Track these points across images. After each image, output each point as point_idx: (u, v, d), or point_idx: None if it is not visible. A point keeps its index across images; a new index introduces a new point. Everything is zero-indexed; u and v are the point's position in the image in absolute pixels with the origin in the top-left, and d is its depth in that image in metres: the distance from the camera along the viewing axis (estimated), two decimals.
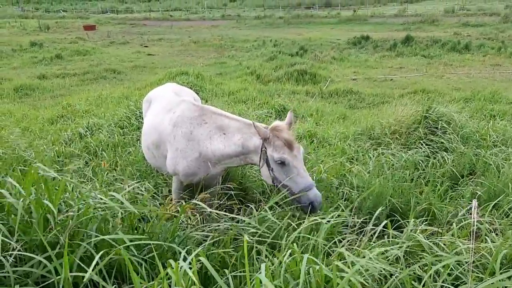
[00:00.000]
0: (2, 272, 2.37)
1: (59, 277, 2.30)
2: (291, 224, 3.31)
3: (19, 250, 2.40)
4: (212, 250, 2.97)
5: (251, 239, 3.01)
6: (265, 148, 3.75)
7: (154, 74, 17.40)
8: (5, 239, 2.43)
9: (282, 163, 3.65)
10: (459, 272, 2.78)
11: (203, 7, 75.66)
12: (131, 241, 2.65)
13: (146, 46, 29.99)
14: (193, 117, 4.21)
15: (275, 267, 2.64)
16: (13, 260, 2.40)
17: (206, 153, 4.09)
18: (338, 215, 3.49)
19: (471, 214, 3.12)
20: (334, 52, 23.25)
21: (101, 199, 2.95)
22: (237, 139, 3.96)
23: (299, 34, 35.82)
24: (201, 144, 4.11)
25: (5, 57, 23.43)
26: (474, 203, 2.93)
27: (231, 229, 3.21)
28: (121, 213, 2.91)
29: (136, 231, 2.98)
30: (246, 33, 38.42)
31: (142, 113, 8.37)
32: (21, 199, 2.63)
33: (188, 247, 2.96)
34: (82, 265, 2.41)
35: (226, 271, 2.70)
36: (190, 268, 2.38)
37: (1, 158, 5.06)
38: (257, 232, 3.14)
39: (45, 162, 5.21)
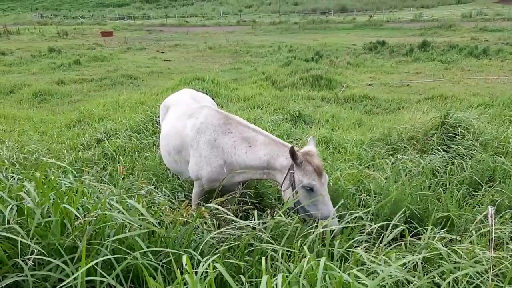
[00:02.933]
0: (21, 276, 2.39)
1: (75, 281, 2.31)
2: (306, 230, 3.29)
3: (37, 254, 2.43)
4: (228, 256, 2.96)
5: (266, 245, 3.01)
6: (293, 171, 3.75)
7: (170, 80, 17.49)
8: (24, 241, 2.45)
9: (311, 189, 3.66)
10: (478, 281, 2.74)
11: (218, 13, 76.02)
12: (148, 247, 2.66)
13: (162, 52, 30.20)
14: (217, 125, 4.22)
15: (290, 273, 2.63)
16: (32, 263, 2.42)
17: (231, 161, 4.11)
18: (355, 222, 3.47)
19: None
20: (350, 57, 23.15)
21: (119, 204, 2.96)
22: (262, 154, 3.98)
23: (314, 39, 35.78)
24: (225, 153, 4.13)
25: (24, 63, 23.79)
26: (490, 209, 2.88)
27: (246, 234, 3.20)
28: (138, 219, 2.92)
29: (152, 236, 2.99)
30: (262, 38, 38.50)
31: (158, 118, 8.47)
32: (40, 204, 2.67)
33: (203, 252, 2.97)
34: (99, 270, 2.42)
35: (242, 277, 2.69)
36: (207, 273, 2.38)
37: (21, 162, 5.13)
38: (272, 236, 3.14)
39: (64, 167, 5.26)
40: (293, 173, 3.75)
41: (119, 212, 2.89)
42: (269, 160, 3.94)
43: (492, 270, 2.75)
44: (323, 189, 3.69)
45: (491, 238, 2.75)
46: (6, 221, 2.56)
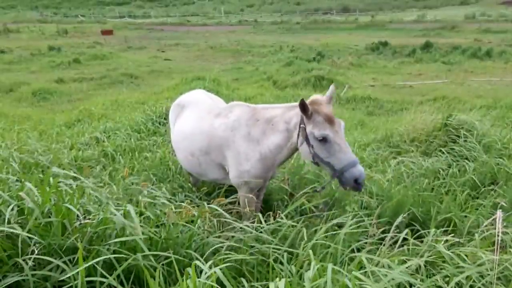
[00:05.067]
0: (22, 275, 2.38)
1: (76, 281, 2.30)
2: (308, 232, 3.27)
3: (38, 254, 2.41)
4: (229, 257, 2.93)
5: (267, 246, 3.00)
6: (304, 125, 3.62)
7: (170, 79, 17.49)
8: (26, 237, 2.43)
9: (324, 140, 3.49)
10: (481, 284, 2.72)
11: (220, 13, 75.95)
12: (149, 248, 2.65)
13: (163, 51, 30.18)
14: (247, 119, 4.13)
15: (293, 276, 2.61)
16: (32, 263, 2.41)
17: (265, 151, 4.01)
18: (358, 224, 3.45)
19: (493, 225, 3.05)
20: (352, 58, 23.11)
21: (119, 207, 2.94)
22: (281, 125, 3.88)
23: (316, 39, 35.72)
24: (260, 143, 4.02)
25: (23, 61, 23.77)
26: (499, 214, 2.85)
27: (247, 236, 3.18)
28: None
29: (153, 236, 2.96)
30: (263, 38, 38.47)
31: (158, 117, 8.45)
32: (41, 204, 2.65)
33: (204, 253, 2.95)
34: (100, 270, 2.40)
35: (243, 280, 2.67)
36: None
37: (20, 162, 5.10)
38: (274, 239, 3.12)
39: (64, 166, 5.25)
40: (304, 127, 3.62)
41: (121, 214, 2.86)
42: (287, 128, 3.84)
43: (496, 273, 2.73)
44: (337, 137, 3.51)
45: (497, 241, 2.72)
46: (7, 220, 2.54)
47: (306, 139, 3.64)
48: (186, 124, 4.76)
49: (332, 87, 3.84)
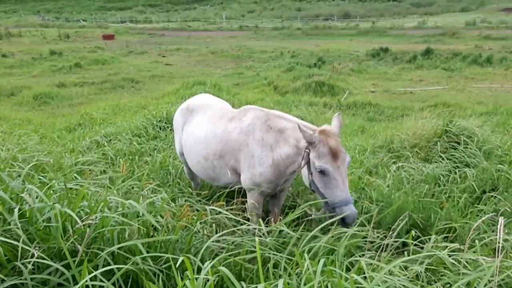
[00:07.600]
0: (21, 279, 2.37)
1: (76, 286, 2.28)
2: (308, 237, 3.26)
3: (37, 257, 2.40)
4: (228, 263, 2.92)
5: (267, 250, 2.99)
6: (309, 151, 3.61)
7: (171, 84, 17.51)
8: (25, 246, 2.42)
9: (322, 172, 3.49)
10: None
11: (221, 18, 76.07)
12: (147, 251, 2.63)
13: (164, 56, 30.22)
14: (261, 124, 4.15)
15: (292, 279, 2.61)
16: (32, 267, 2.40)
17: (277, 158, 4.02)
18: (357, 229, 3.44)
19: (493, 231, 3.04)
20: (353, 64, 23.13)
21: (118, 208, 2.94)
22: (291, 141, 3.90)
23: (317, 45, 35.76)
24: (273, 150, 4.04)
25: (25, 65, 23.84)
26: (501, 220, 2.84)
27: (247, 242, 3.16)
28: (137, 223, 2.88)
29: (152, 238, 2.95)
30: (264, 44, 38.52)
31: (159, 122, 8.44)
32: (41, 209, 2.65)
33: (203, 258, 2.94)
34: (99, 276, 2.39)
35: (243, 283, 2.66)
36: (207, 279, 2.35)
37: (21, 164, 5.09)
38: (274, 243, 3.11)
39: (65, 169, 5.24)
40: (308, 153, 3.61)
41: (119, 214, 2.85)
42: (296, 145, 3.83)
43: (497, 280, 2.71)
44: (337, 172, 3.48)
45: (498, 248, 2.70)
46: (8, 223, 2.54)
47: (308, 164, 3.65)
48: (199, 128, 4.74)
49: (339, 117, 3.90)
